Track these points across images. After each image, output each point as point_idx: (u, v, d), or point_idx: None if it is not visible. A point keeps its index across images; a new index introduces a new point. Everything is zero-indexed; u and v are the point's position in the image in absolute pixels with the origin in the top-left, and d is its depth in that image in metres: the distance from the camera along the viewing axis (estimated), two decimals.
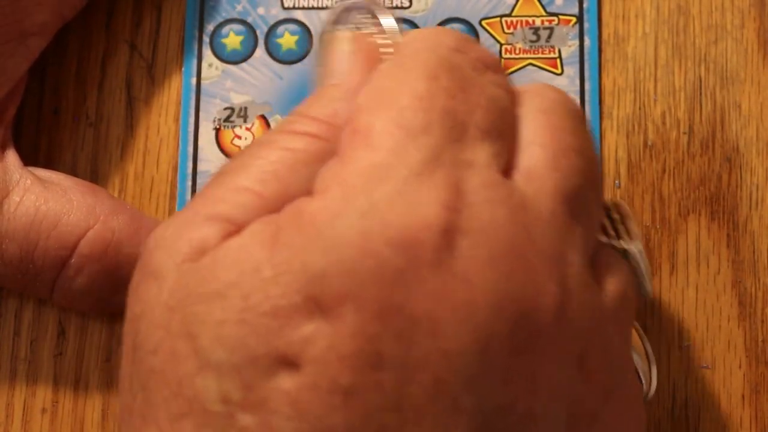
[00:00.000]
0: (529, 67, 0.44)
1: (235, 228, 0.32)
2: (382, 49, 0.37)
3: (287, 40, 0.44)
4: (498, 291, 0.31)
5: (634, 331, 0.39)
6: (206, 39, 0.44)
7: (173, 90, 0.44)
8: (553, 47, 0.44)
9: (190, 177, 0.43)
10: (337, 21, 0.39)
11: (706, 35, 0.44)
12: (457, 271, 0.31)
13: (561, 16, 0.44)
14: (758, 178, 0.43)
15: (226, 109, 0.44)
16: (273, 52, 0.44)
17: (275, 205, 0.33)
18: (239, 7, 0.44)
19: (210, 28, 0.44)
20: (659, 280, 0.42)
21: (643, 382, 0.38)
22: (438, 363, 0.30)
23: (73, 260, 0.40)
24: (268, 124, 0.44)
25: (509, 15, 0.44)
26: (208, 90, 0.44)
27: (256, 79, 0.44)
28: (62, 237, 0.40)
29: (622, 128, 0.43)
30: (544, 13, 0.44)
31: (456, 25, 0.44)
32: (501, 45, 0.44)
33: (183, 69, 0.44)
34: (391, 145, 0.32)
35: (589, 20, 0.44)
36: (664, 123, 0.43)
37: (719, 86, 0.43)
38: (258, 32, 0.44)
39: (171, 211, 0.43)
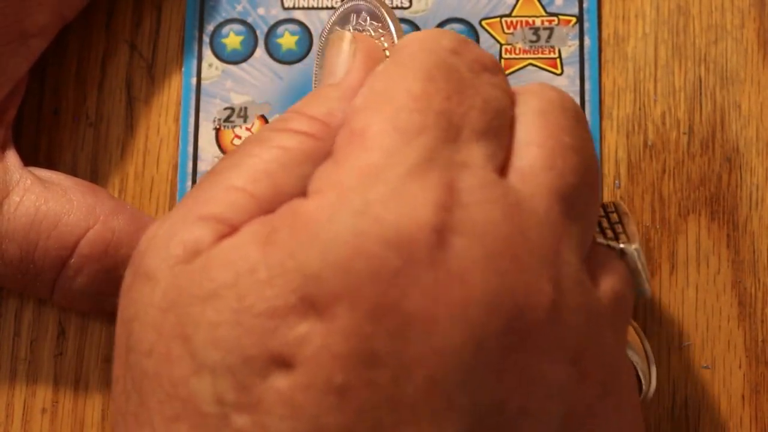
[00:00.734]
0: (529, 68, 0.44)
1: (228, 229, 0.32)
2: (382, 50, 0.37)
3: (287, 40, 0.44)
4: (492, 290, 0.31)
5: (633, 331, 0.39)
6: (206, 39, 0.44)
7: (173, 90, 0.44)
8: (553, 47, 0.44)
9: (190, 177, 0.43)
10: (338, 21, 0.39)
11: (706, 35, 0.44)
12: (451, 270, 0.31)
13: (561, 17, 0.44)
14: (758, 178, 0.43)
15: (226, 109, 0.44)
16: (273, 52, 0.44)
17: (268, 205, 0.33)
18: (239, 7, 0.44)
19: (210, 28, 0.44)
20: (659, 280, 0.42)
21: (643, 382, 0.38)
22: (432, 361, 0.30)
23: (73, 260, 0.40)
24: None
25: (509, 15, 0.44)
26: (208, 90, 0.44)
27: (256, 79, 0.44)
28: (62, 237, 0.40)
29: (622, 128, 0.43)
30: (544, 14, 0.44)
31: (456, 26, 0.44)
32: (501, 45, 0.44)
33: (183, 69, 0.44)
34: (386, 146, 0.32)
35: (589, 20, 0.44)
36: (664, 123, 0.43)
37: (719, 86, 0.43)
38: (258, 32, 0.44)
39: None
